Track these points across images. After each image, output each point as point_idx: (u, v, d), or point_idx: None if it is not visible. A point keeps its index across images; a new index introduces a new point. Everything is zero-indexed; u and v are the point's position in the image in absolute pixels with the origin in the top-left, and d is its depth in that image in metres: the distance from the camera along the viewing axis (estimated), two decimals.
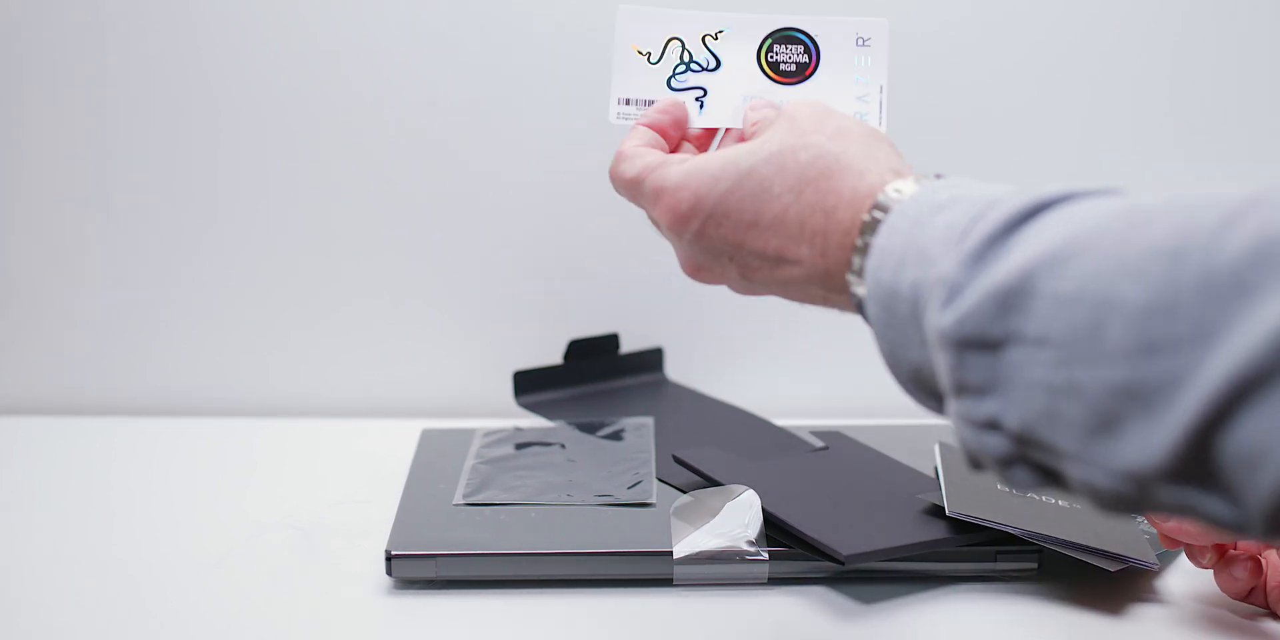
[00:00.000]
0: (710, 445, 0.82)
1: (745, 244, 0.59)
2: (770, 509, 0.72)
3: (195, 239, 0.99)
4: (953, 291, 0.48)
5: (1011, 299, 0.46)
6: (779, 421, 0.90)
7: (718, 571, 0.71)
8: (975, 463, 0.50)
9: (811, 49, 0.70)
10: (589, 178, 0.99)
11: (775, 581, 0.71)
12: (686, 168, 0.60)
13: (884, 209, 0.54)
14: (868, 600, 0.70)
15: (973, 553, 0.71)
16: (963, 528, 0.71)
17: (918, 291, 0.50)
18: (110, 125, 0.97)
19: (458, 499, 0.77)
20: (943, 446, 0.79)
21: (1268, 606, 0.68)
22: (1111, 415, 0.43)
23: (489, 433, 0.88)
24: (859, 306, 0.55)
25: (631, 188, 0.63)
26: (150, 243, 0.99)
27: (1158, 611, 0.69)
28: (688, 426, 0.90)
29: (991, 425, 0.47)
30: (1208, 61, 0.97)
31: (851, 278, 0.55)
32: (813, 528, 0.70)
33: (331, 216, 0.99)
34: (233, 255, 0.99)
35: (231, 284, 1.00)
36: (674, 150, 0.67)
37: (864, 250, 0.54)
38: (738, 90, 0.69)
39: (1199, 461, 0.41)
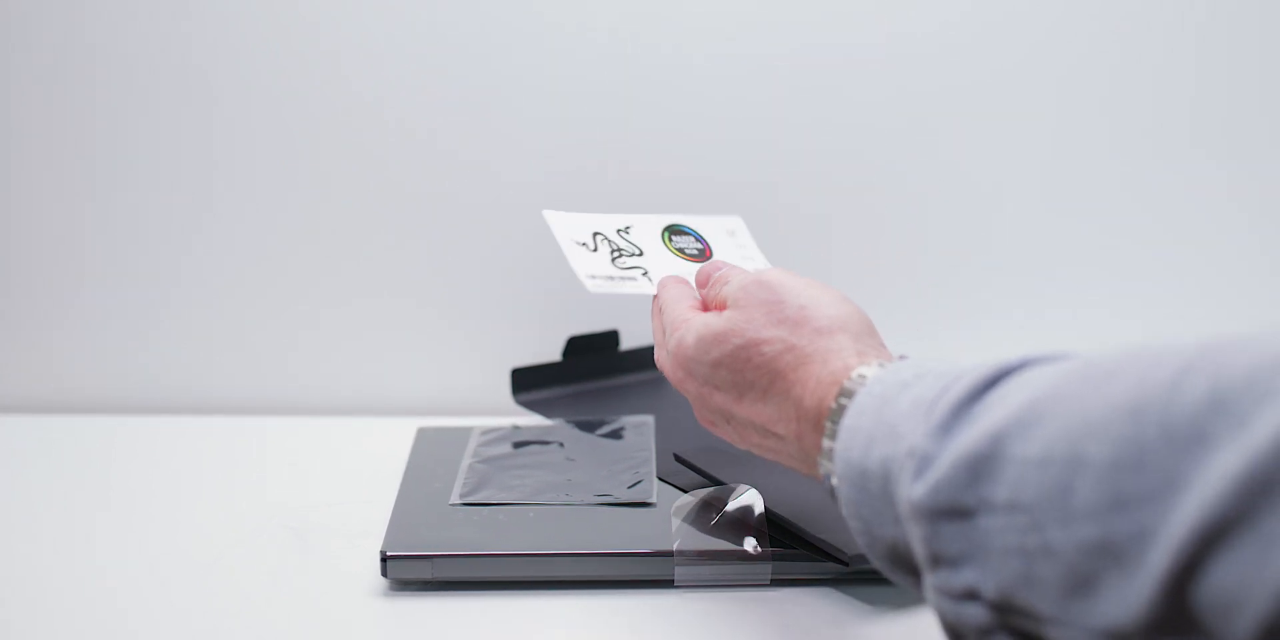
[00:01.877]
0: (712, 444, 0.81)
1: (736, 413, 0.63)
2: (773, 509, 0.71)
3: (194, 238, 0.99)
4: (923, 462, 0.49)
5: (981, 465, 0.47)
6: None
7: (719, 572, 0.70)
8: (955, 635, 0.49)
9: (700, 238, 0.80)
10: (589, 178, 0.99)
11: (778, 583, 0.70)
12: (673, 343, 0.66)
13: (849, 395, 0.55)
14: (873, 602, 0.69)
15: None
16: None
17: (888, 467, 0.51)
18: (109, 124, 0.97)
19: (454, 499, 0.76)
20: None
21: None
22: (1087, 574, 0.43)
23: (486, 431, 0.87)
24: (831, 493, 0.56)
25: None
26: (149, 242, 0.99)
27: None
28: (689, 424, 0.88)
29: (969, 595, 0.48)
30: (1219, 54, 0.97)
31: (823, 461, 0.56)
32: (817, 528, 0.69)
33: (330, 215, 0.99)
34: (231, 254, 0.99)
35: (230, 283, 1.00)
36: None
37: (833, 434, 0.55)
38: (666, 269, 0.77)
39: (1177, 613, 0.41)
